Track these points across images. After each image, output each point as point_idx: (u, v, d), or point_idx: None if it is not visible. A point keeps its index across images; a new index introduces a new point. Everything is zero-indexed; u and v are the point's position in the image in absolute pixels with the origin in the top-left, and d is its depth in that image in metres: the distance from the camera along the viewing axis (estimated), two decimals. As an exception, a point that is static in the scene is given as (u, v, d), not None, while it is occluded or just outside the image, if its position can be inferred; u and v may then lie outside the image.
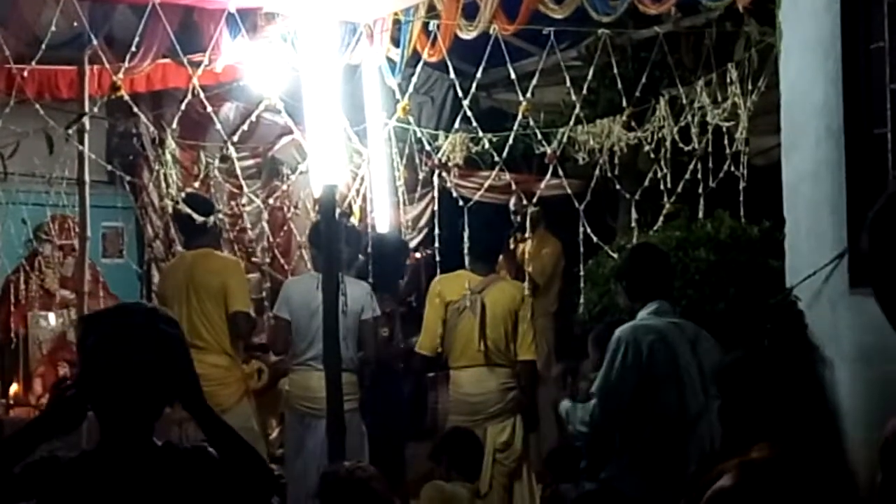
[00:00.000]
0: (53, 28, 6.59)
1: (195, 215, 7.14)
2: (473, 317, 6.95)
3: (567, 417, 5.73)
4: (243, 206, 9.25)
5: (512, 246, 8.34)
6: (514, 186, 8.24)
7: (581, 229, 7.21)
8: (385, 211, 8.58)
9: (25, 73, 6.92)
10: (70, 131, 7.58)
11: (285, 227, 10.11)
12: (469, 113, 7.48)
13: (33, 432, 3.00)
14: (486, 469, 6.89)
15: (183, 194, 7.83)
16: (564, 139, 7.82)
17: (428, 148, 8.40)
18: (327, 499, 4.68)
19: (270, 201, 9.23)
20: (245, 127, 8.02)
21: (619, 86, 7.53)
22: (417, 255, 8.52)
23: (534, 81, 7.36)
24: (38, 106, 7.04)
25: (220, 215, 7.51)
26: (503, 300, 7.00)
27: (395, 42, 8.09)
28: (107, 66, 7.20)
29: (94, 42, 7.03)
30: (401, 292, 8.59)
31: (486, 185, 8.05)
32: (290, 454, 7.19)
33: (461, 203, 7.32)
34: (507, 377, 6.99)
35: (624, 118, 7.83)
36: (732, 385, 4.32)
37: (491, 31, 7.28)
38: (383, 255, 7.74)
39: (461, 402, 7.04)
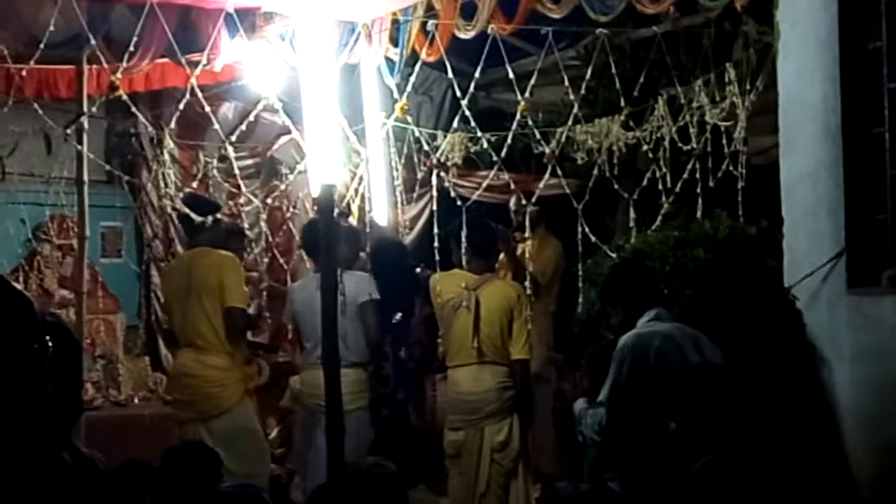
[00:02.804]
0: (52, 28, 6.60)
1: (193, 215, 7.14)
2: (468, 314, 6.94)
3: (579, 419, 5.75)
4: (242, 205, 9.24)
5: (513, 246, 8.33)
6: (512, 186, 8.24)
7: (579, 229, 7.22)
8: (384, 210, 8.58)
9: (24, 73, 6.92)
10: (69, 131, 7.59)
11: (284, 227, 10.11)
12: (468, 112, 7.49)
13: None
14: (483, 469, 6.90)
15: (182, 194, 7.83)
16: (563, 139, 7.83)
17: (426, 147, 8.41)
18: (348, 494, 4.66)
19: (269, 201, 9.23)
20: (243, 126, 8.03)
21: (618, 85, 7.54)
22: (417, 270, 8.51)
23: (532, 81, 7.38)
24: (36, 106, 7.03)
25: (220, 214, 7.46)
26: (498, 298, 6.99)
27: (394, 42, 8.10)
28: (105, 65, 7.20)
29: (93, 42, 7.03)
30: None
31: (484, 184, 8.06)
32: (299, 449, 7.24)
33: (459, 203, 7.32)
34: (504, 376, 6.96)
35: (622, 118, 7.83)
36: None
37: (489, 31, 7.29)
38: (383, 261, 7.77)
39: (458, 401, 7.02)
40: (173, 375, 7.45)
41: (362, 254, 8.28)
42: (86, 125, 7.88)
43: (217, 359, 7.03)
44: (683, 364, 5.37)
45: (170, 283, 7.46)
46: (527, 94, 7.39)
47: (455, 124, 8.24)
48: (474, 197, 7.77)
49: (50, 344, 2.98)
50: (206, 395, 7.04)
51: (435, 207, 7.97)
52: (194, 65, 7.01)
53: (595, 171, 7.68)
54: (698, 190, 7.35)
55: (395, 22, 8.02)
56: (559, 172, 7.62)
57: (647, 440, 5.41)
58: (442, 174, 8.28)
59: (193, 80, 6.84)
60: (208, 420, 7.01)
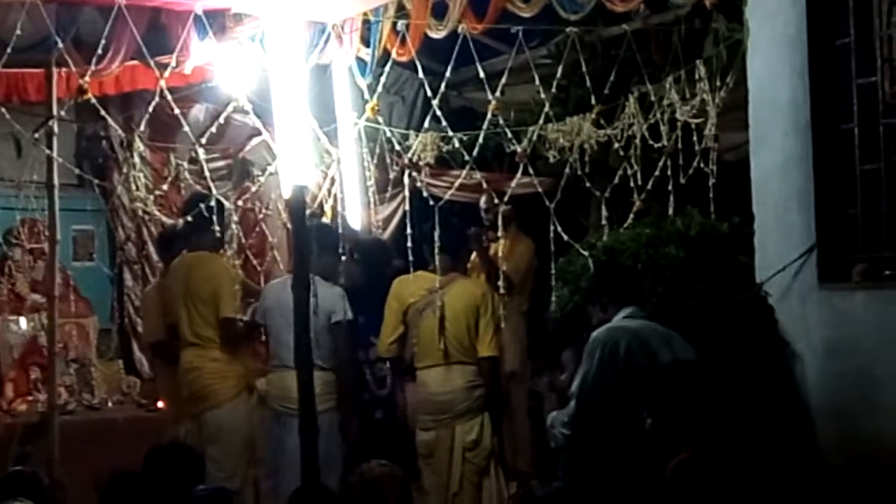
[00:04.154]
0: (19, 31, 6.55)
1: (164, 218, 7.22)
2: (433, 316, 7.00)
3: (551, 425, 5.81)
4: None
5: (485, 245, 8.32)
6: (485, 185, 8.23)
7: (552, 227, 7.22)
8: (356, 211, 8.57)
9: (-8, 77, 6.89)
10: (38, 134, 7.55)
11: (257, 229, 10.09)
12: (439, 112, 7.46)
13: None
14: (455, 468, 6.93)
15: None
16: (535, 137, 7.81)
17: (398, 147, 8.39)
18: (360, 496, 4.68)
19: (241, 203, 9.19)
20: (214, 128, 7.97)
21: (589, 83, 7.53)
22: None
23: (503, 80, 7.36)
24: (4, 110, 6.99)
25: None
26: (463, 298, 7.05)
27: (366, 42, 8.08)
28: (74, 68, 7.15)
29: (61, 45, 6.99)
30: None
31: (457, 184, 8.04)
32: (268, 453, 7.22)
33: (432, 202, 7.31)
34: (473, 375, 7.01)
35: (594, 116, 7.83)
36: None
37: (460, 31, 7.28)
38: (367, 261, 7.77)
39: (428, 402, 7.07)
40: (180, 376, 7.52)
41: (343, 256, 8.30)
42: (55, 129, 7.83)
43: (217, 353, 7.25)
44: (653, 362, 5.42)
45: (171, 283, 7.60)
46: (498, 93, 7.36)
47: (427, 124, 8.22)
48: (447, 196, 7.75)
49: None
50: (205, 386, 7.23)
51: (408, 207, 7.94)
52: (164, 67, 6.97)
53: (567, 170, 7.67)
54: (670, 187, 7.34)
55: (366, 22, 8.00)
56: (531, 171, 7.61)
57: (616, 436, 5.45)
58: (414, 174, 8.26)
59: (163, 83, 6.80)
60: (207, 412, 7.19)
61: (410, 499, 4.74)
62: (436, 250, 7.11)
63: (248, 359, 7.55)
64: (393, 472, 4.66)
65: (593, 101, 7.62)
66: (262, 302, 7.33)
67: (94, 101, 7.18)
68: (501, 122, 7.61)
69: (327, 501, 4.88)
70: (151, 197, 9.01)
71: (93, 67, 7.11)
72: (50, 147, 7.77)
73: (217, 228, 7.36)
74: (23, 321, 9.59)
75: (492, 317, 7.07)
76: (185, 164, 8.78)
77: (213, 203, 7.33)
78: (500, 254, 8.11)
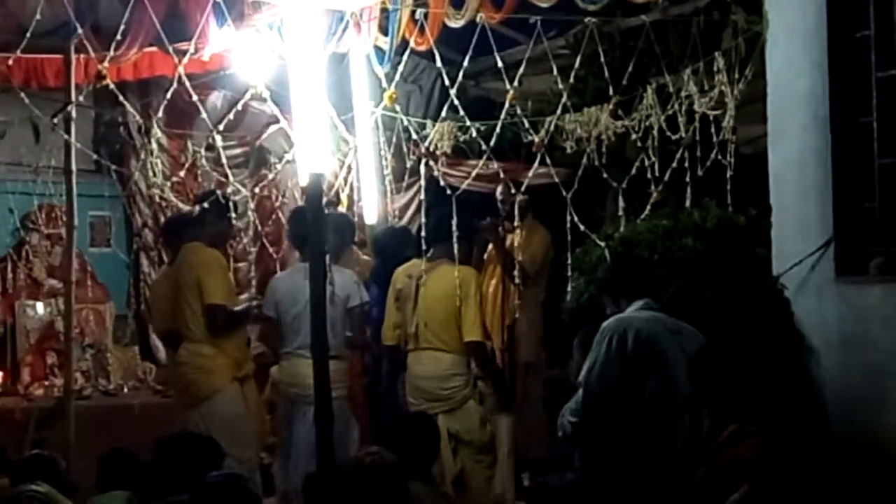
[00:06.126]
0: (39, 16, 6.56)
1: (181, 205, 7.25)
2: (413, 301, 7.08)
3: (562, 415, 5.83)
4: (230, 195, 9.24)
5: (501, 235, 8.32)
6: (501, 175, 8.23)
7: (568, 218, 7.22)
8: (373, 200, 8.57)
9: (11, 62, 6.90)
10: (56, 120, 7.57)
11: (273, 216, 10.12)
12: (456, 101, 7.47)
13: None
14: (446, 454, 6.94)
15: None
16: (552, 128, 7.81)
17: (415, 137, 8.39)
18: (348, 484, 4.70)
19: (258, 190, 9.21)
20: (232, 116, 7.99)
21: (607, 74, 7.53)
22: None
23: (521, 70, 7.35)
24: (23, 95, 7.01)
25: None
26: (441, 284, 7.06)
27: (384, 31, 8.08)
28: (93, 54, 7.17)
29: (80, 31, 7.00)
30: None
31: (473, 173, 8.05)
32: (281, 441, 7.26)
33: (448, 192, 7.31)
34: (451, 364, 7.08)
35: (611, 107, 7.82)
36: (703, 374, 4.50)
37: (478, 20, 7.28)
38: (388, 249, 7.80)
39: (413, 386, 7.19)
40: (173, 367, 7.69)
41: (354, 246, 8.31)
42: (73, 114, 7.85)
43: (205, 348, 7.25)
44: (660, 353, 5.46)
45: (172, 274, 7.65)
46: (516, 83, 7.36)
47: (444, 113, 8.22)
48: (464, 186, 7.76)
49: None
50: (191, 380, 7.30)
51: (423, 196, 7.95)
52: (182, 53, 6.98)
53: (584, 160, 7.66)
54: (687, 179, 7.33)
55: (384, 11, 8.00)
56: (548, 161, 7.61)
57: (624, 424, 5.48)
58: (431, 163, 8.27)
59: (181, 69, 6.81)
60: (199, 404, 7.22)
61: (405, 486, 4.74)
62: (430, 237, 7.21)
63: (239, 349, 7.50)
64: (385, 460, 4.66)
65: (611, 92, 7.62)
66: (273, 294, 7.34)
67: (112, 87, 7.20)
68: (519, 112, 7.61)
69: (337, 486, 4.89)
70: (168, 183, 9.03)
71: (111, 53, 7.13)
72: (68, 133, 7.79)
73: (222, 225, 7.42)
74: (40, 306, 9.65)
75: (473, 300, 7.10)
76: (203, 151, 8.80)
77: (222, 199, 7.38)
78: (516, 244, 8.11)
